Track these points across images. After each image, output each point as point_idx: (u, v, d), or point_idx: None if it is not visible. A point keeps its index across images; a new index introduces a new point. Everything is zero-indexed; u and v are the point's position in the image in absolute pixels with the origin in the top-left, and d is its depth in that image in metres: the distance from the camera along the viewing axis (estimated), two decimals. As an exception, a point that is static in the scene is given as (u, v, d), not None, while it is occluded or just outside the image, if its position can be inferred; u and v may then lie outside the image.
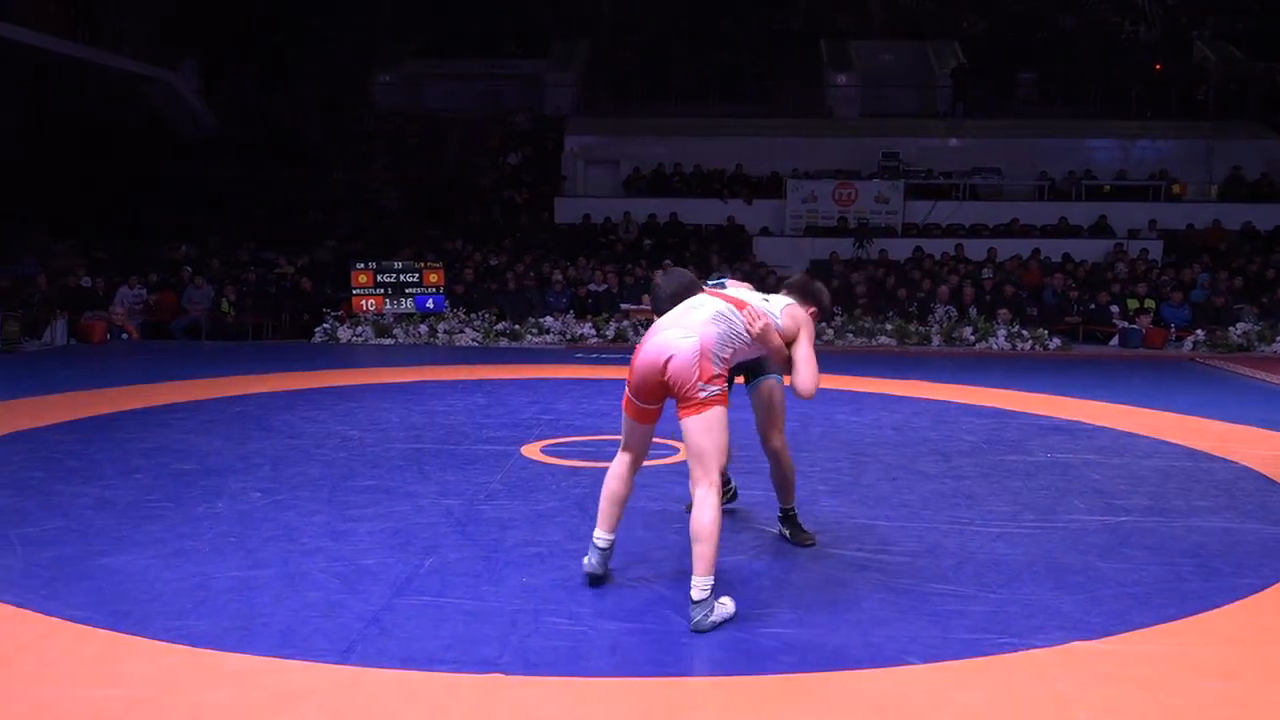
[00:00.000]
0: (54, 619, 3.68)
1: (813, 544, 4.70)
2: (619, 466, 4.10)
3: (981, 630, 3.72)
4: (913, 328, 14.84)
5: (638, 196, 21.14)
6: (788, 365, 4.07)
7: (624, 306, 15.50)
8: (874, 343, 14.61)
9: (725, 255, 18.28)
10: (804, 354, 4.05)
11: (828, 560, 4.48)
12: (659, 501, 5.48)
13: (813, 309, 4.40)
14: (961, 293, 15.83)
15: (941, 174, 20.86)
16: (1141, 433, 7.78)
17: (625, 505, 4.14)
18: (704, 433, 3.76)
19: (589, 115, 23.57)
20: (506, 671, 3.30)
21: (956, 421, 8.21)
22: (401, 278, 15.23)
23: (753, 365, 4.80)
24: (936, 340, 14.60)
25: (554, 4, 26.37)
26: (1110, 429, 7.94)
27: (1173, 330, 14.96)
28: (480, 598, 3.96)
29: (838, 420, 8.22)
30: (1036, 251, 18.15)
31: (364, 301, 15.14)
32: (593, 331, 14.83)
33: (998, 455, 6.86)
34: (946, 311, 15.36)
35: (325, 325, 15.00)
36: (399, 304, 15.18)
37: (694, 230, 19.95)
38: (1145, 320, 15.04)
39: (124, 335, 14.68)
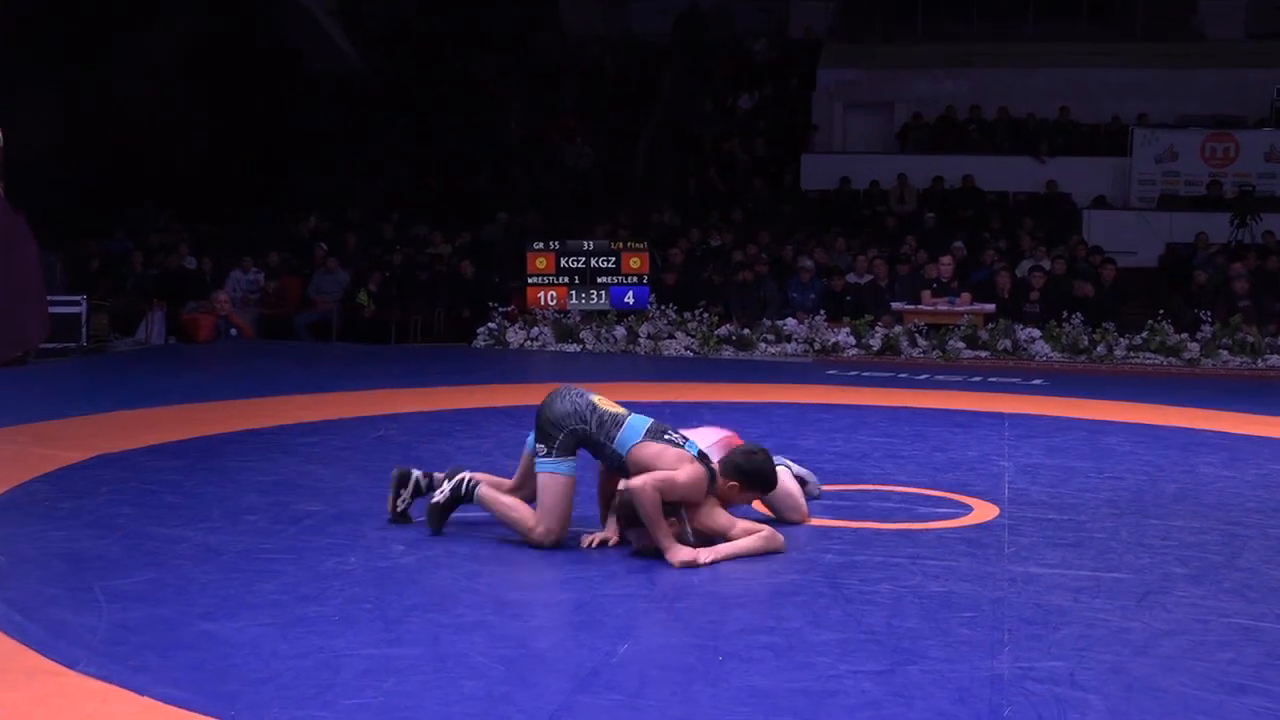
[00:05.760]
0: (146, 699, 3.90)
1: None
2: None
3: None
4: (1319, 343, 14.14)
5: (917, 153, 20.93)
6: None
7: (896, 306, 15.33)
8: (1260, 364, 13.96)
9: (1041, 235, 17.84)
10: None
11: (1188, 673, 4.29)
12: (940, 580, 5.39)
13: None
14: (1397, 293, 14.97)
15: (1370, 120, 19.79)
16: None
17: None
18: None
19: (851, 41, 23.47)
20: (726, 805, 3.31)
21: (1385, 482, 7.74)
22: (592, 263, 15.53)
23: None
24: (1356, 362, 13.85)
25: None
26: None
27: None
28: (691, 702, 3.98)
29: (1202, 475, 7.89)
30: None
31: (542, 294, 15.50)
32: (851, 340, 14.74)
33: None
34: (1373, 321, 14.57)
35: (491, 325, 15.44)
36: (588, 298, 15.48)
37: (997, 200, 19.58)
38: None
39: (233, 331, 15.42)
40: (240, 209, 19.99)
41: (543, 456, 5.69)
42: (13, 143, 11.93)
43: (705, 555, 5.46)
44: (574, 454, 5.69)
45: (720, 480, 5.66)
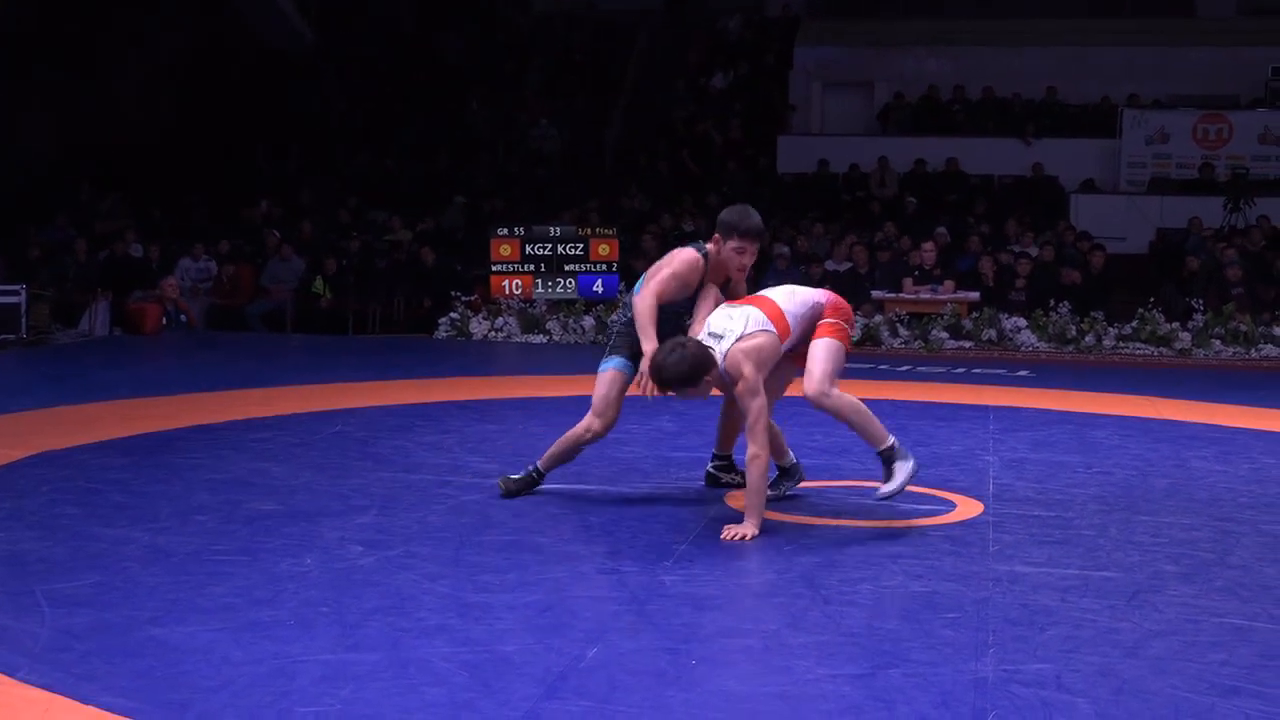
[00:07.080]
0: (90, 708, 3.88)
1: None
2: None
3: None
4: (1315, 332, 14.23)
5: (899, 134, 20.95)
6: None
7: (876, 294, 15.37)
8: (1253, 354, 14.04)
9: (1028, 220, 17.91)
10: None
11: (1179, 675, 4.32)
12: (923, 580, 5.41)
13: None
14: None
15: (1367, 100, 19.94)
16: None
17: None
18: None
19: (830, 16, 23.49)
20: (700, 815, 3.32)
21: (1383, 476, 7.80)
22: (559, 250, 15.51)
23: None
24: (1353, 352, 13.95)
25: None
26: None
27: None
28: (664, 707, 3.99)
29: (1194, 469, 7.94)
30: None
31: (506, 282, 15.48)
32: (830, 329, 14.74)
33: None
34: (1370, 309, 14.68)
35: (453, 315, 15.42)
36: (554, 286, 15.47)
37: (982, 183, 19.63)
38: None
39: (181, 318, 15.38)
40: (195, 194, 19.82)
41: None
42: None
43: (750, 526, 5.96)
44: (622, 352, 6.44)
45: (712, 245, 6.48)
